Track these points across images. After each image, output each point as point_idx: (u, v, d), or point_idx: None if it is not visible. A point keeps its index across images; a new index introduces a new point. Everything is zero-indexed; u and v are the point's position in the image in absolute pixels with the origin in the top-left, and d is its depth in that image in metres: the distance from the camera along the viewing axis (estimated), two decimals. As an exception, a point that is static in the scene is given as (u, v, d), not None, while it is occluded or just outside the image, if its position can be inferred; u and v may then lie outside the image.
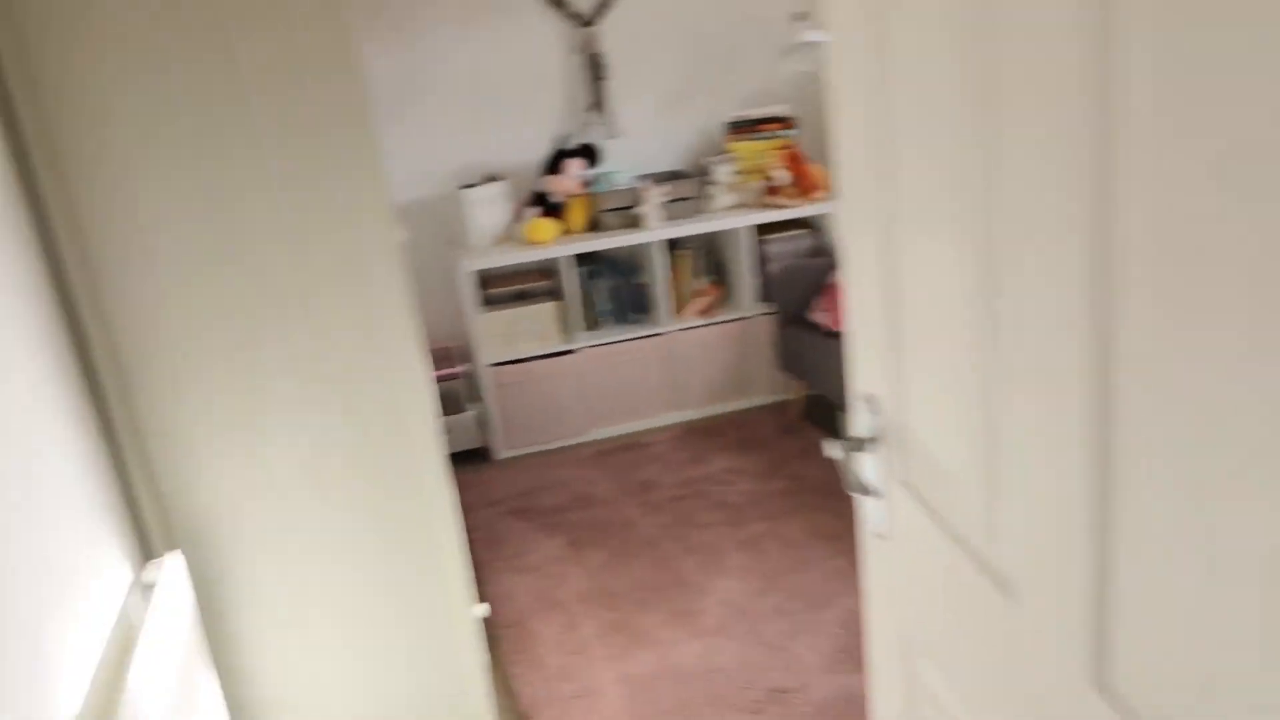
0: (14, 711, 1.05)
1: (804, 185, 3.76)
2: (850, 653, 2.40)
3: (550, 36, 3.79)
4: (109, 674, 1.37)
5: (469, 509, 3.38)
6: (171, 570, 1.59)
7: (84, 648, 1.31)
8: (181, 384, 1.70)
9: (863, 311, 1.09)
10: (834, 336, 3.35)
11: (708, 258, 3.99)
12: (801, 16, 3.55)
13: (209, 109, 1.61)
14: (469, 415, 3.70)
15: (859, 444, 1.08)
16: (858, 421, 1.11)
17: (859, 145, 1.02)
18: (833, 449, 1.08)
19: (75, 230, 1.59)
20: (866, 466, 1.10)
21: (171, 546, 1.76)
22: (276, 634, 1.88)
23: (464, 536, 2.90)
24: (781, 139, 3.87)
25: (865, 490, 1.07)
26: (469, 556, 3.02)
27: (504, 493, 3.48)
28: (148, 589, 1.62)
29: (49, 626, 1.20)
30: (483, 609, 2.09)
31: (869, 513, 1.14)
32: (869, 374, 1.10)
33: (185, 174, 1.62)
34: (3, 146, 1.46)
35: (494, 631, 2.62)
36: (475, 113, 3.79)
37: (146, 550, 1.72)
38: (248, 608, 1.84)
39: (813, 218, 3.92)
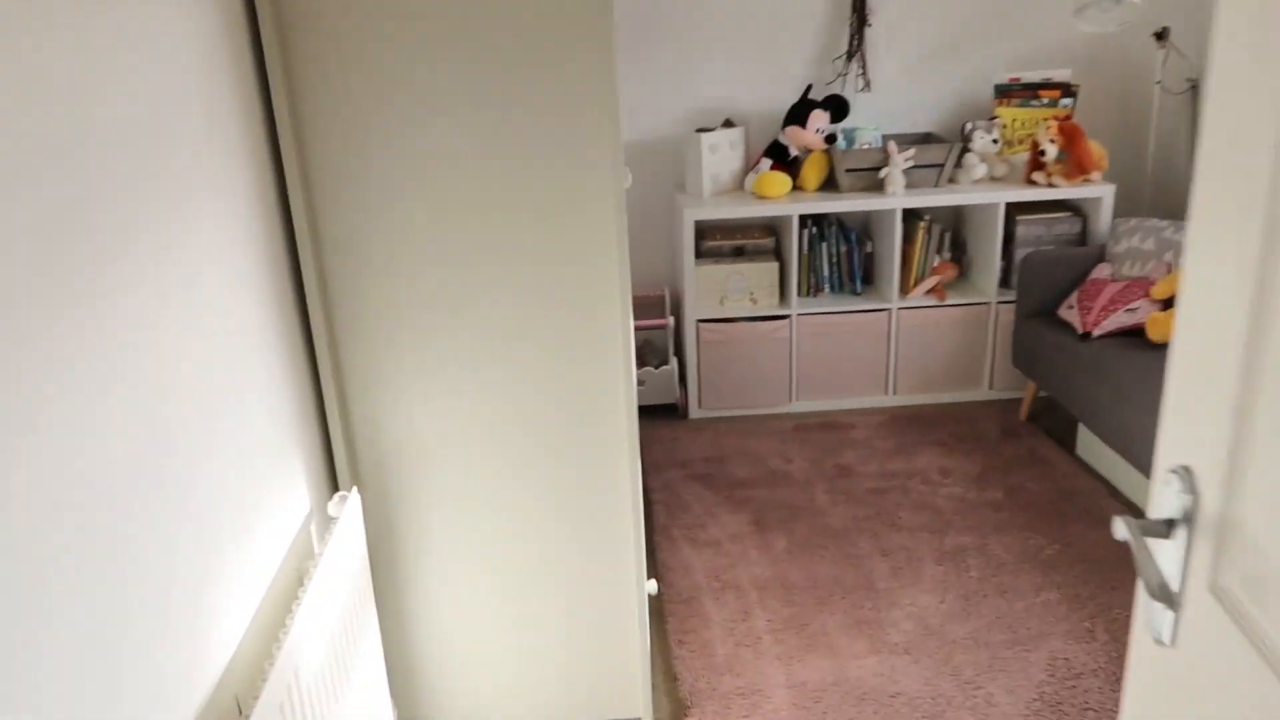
0: (186, 617, 1.01)
1: (1077, 163, 3.30)
2: (1054, 706, 2.09)
3: (810, -26, 3.49)
4: (279, 598, 1.34)
5: (654, 467, 3.27)
6: (350, 507, 1.55)
7: (260, 568, 1.27)
8: (383, 321, 1.64)
9: (1197, 352, 0.82)
10: (1084, 339, 2.94)
11: (948, 233, 3.61)
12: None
13: (447, 26, 1.50)
14: (668, 369, 3.57)
15: (1161, 528, 0.82)
16: (1161, 499, 0.85)
17: (1246, 126, 0.74)
18: (1122, 528, 0.82)
19: (301, 157, 1.54)
20: (1165, 558, 0.83)
21: (353, 484, 1.73)
22: (440, 584, 1.83)
23: (642, 505, 2.79)
24: (1059, 109, 3.41)
25: (1166, 594, 0.81)
26: (644, 529, 2.91)
27: (692, 455, 3.34)
28: (329, 521, 1.59)
29: (228, 543, 1.16)
30: (652, 586, 1.96)
31: (1150, 612, 0.88)
32: (1188, 438, 0.83)
33: (413, 94, 1.53)
34: (245, 65, 1.42)
35: (663, 605, 2.50)
36: (721, 52, 3.57)
37: (332, 483, 1.70)
38: (415, 554, 1.80)
39: (1080, 201, 3.45)
